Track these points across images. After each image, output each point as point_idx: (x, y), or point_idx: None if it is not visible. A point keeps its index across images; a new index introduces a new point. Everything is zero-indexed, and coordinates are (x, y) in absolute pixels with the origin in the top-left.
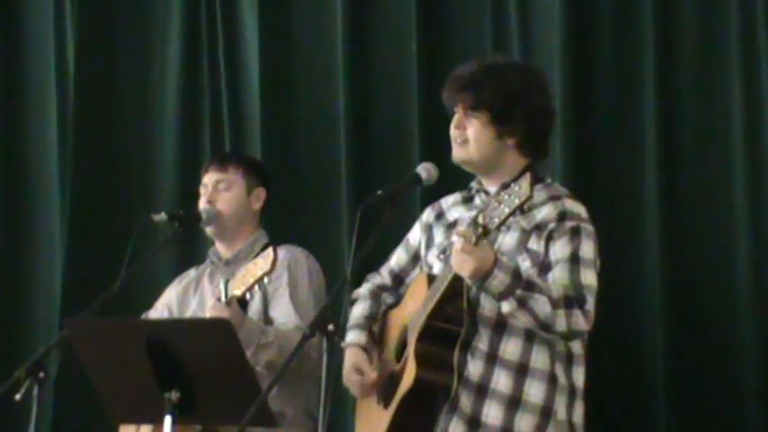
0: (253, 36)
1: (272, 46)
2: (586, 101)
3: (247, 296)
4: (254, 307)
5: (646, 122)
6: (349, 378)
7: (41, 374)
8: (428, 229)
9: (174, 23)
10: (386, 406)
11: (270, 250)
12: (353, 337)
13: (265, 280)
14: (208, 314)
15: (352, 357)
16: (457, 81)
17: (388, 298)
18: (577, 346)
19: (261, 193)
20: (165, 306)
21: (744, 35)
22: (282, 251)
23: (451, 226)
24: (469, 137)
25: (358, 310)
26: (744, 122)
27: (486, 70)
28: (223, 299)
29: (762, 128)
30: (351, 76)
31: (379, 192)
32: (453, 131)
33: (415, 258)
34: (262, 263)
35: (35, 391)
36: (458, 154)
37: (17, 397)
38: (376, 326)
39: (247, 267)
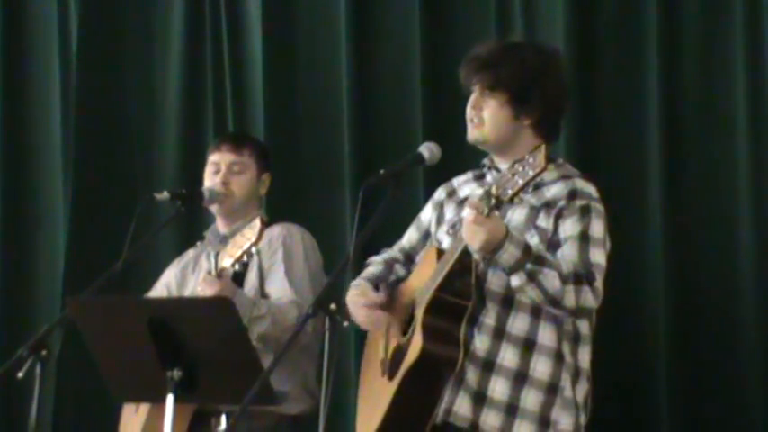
0: (255, 15)
1: (274, 25)
2: (589, 83)
3: (236, 267)
4: (251, 283)
5: (649, 106)
6: (353, 302)
7: (44, 353)
8: (439, 207)
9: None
10: (391, 378)
11: (257, 221)
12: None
13: (253, 250)
14: (198, 288)
15: (357, 288)
16: (475, 60)
17: (400, 269)
18: (585, 327)
19: (267, 179)
20: (164, 286)
21: (748, 18)
22: (278, 227)
23: (462, 202)
24: (485, 117)
25: (370, 269)
26: (747, 103)
27: (505, 50)
28: (213, 271)
29: (766, 108)
30: (354, 54)
31: (382, 171)
32: (469, 111)
33: (426, 237)
34: (249, 233)
35: (38, 370)
36: (473, 134)
37: (20, 375)
38: (385, 292)
39: (235, 239)
